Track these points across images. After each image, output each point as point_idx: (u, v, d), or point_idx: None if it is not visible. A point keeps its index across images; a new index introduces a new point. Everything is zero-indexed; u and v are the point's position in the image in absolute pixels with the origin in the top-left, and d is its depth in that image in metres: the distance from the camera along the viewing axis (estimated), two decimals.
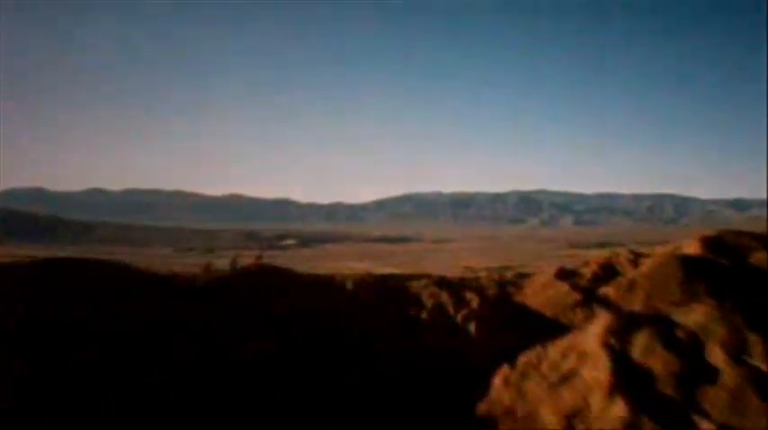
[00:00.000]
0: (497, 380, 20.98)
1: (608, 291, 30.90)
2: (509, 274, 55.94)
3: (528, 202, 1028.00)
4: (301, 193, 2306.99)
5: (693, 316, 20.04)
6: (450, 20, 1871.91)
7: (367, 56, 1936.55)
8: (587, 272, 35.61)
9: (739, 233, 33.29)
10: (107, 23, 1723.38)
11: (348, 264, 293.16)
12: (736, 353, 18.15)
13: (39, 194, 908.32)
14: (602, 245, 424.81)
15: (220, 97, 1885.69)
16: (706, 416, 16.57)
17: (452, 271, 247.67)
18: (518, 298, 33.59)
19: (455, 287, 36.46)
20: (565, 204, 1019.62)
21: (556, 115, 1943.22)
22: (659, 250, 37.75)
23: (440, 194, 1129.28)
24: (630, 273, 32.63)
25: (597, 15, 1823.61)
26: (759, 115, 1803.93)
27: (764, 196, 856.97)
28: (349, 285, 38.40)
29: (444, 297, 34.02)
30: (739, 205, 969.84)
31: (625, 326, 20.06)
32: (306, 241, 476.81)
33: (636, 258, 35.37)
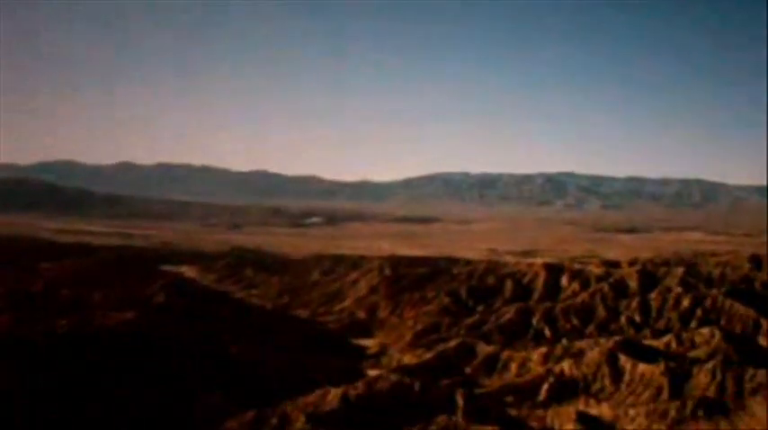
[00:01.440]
0: None
1: None
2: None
3: (554, 184, 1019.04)
4: (328, 171, 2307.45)
5: None
6: None
7: (396, 34, 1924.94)
8: None
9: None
10: None
11: (373, 243, 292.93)
12: None
13: (69, 167, 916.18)
14: (628, 230, 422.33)
15: (249, 73, 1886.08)
16: None
17: (475, 253, 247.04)
18: None
19: None
20: (591, 187, 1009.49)
21: (584, 96, 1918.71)
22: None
23: (466, 175, 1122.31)
24: None
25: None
26: None
27: None
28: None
29: None
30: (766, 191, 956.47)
31: None
32: (331, 219, 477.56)
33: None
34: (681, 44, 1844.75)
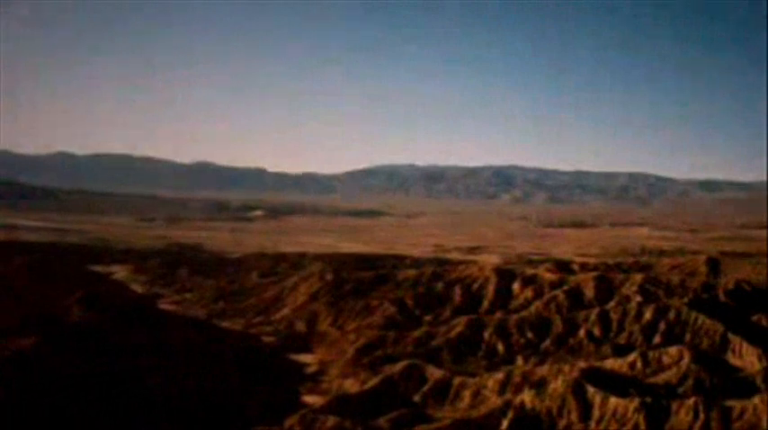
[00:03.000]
0: None
1: None
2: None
3: (501, 178, 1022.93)
4: (274, 163, 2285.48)
5: None
6: None
7: (339, 23, 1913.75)
8: None
9: None
10: None
11: (315, 239, 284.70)
12: None
13: (2, 157, 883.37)
14: (575, 224, 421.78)
15: (193, 62, 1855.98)
16: None
17: (421, 249, 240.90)
18: None
19: None
20: (538, 180, 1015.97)
21: (531, 89, 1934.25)
22: None
23: (413, 167, 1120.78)
24: None
25: None
26: (734, 96, 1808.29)
27: (737, 178, 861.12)
28: None
29: None
30: (711, 186, 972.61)
31: None
32: (275, 213, 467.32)
33: None
34: (626, 37, 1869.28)
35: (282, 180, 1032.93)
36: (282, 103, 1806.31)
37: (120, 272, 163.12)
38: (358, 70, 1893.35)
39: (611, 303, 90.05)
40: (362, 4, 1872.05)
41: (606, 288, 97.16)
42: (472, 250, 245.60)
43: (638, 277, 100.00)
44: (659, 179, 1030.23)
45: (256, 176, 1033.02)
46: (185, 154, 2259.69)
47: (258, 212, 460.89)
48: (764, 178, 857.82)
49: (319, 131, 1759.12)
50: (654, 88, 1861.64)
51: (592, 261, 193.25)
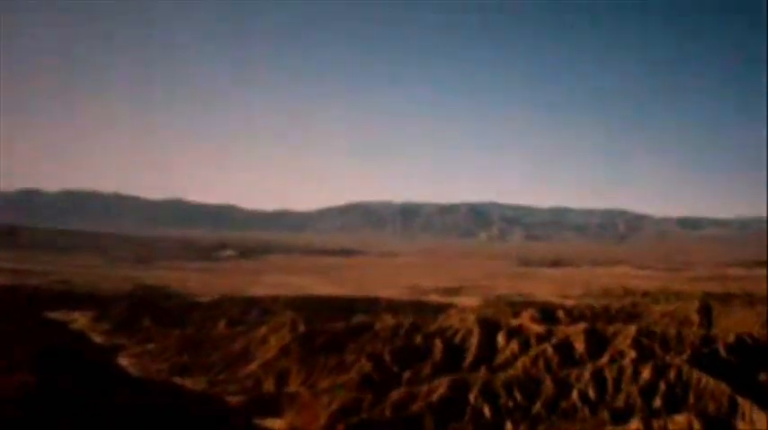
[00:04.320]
0: None
1: None
2: None
3: (478, 214, 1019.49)
4: (246, 200, 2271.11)
5: None
6: (406, 23, 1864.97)
7: (314, 57, 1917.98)
8: None
9: None
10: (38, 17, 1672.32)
11: (288, 279, 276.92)
12: None
13: None
14: (554, 263, 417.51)
15: (165, 96, 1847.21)
16: None
17: (398, 291, 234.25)
18: None
19: None
20: (516, 217, 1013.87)
21: (509, 125, 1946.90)
22: None
23: (389, 204, 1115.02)
24: None
25: (554, 24, 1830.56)
26: (712, 133, 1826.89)
27: (716, 215, 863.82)
28: None
29: None
30: (690, 224, 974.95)
31: None
32: (247, 252, 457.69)
33: None
34: (600, 75, 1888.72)
35: (255, 217, 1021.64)
36: (255, 137, 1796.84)
37: (79, 319, 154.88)
38: (333, 105, 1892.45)
39: (604, 359, 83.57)
40: (339, 41, 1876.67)
41: (597, 341, 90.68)
42: (450, 291, 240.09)
43: (632, 329, 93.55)
44: (636, 216, 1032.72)
45: (228, 213, 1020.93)
46: (155, 190, 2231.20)
47: (229, 252, 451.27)
48: (744, 216, 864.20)
49: (293, 167, 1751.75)
50: (632, 126, 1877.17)
51: (575, 303, 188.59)
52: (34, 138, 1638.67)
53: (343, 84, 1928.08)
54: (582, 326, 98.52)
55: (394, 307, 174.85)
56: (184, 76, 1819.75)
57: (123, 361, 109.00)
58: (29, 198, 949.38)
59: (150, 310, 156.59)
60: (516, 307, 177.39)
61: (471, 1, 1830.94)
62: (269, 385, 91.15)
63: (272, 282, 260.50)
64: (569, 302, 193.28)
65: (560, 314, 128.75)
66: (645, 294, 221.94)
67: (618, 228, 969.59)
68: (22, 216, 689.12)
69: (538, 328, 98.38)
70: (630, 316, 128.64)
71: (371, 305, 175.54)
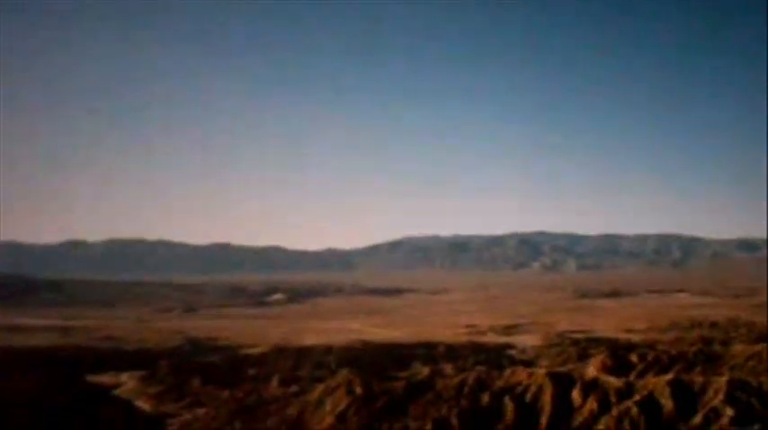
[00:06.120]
0: None
1: None
2: None
3: (528, 245, 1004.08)
4: (291, 240, 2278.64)
5: None
6: (448, 52, 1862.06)
7: (349, 99, 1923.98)
8: None
9: None
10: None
11: (338, 324, 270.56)
12: None
13: (12, 249, 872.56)
14: (611, 293, 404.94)
15: (205, 142, 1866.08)
16: None
17: (454, 332, 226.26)
18: None
19: None
20: (566, 246, 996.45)
21: (554, 153, 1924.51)
22: None
23: (436, 238, 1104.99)
24: None
25: (603, 51, 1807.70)
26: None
27: None
28: None
29: None
30: (746, 246, 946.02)
31: None
32: (295, 295, 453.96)
33: None
34: (650, 98, 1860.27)
35: (302, 257, 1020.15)
36: (298, 178, 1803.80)
37: (128, 382, 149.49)
38: (373, 141, 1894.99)
39: (697, 418, 75.37)
40: (374, 83, 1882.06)
41: (685, 396, 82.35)
42: (508, 329, 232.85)
43: (722, 381, 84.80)
44: (691, 240, 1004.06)
45: (275, 255, 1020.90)
46: (201, 235, 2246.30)
47: (278, 296, 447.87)
48: None
49: (338, 206, 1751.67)
50: (681, 146, 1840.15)
51: (642, 339, 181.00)
52: (78, 189, 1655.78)
53: (382, 118, 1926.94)
54: (666, 378, 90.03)
55: (453, 352, 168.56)
56: (225, 121, 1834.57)
57: None
58: (73, 249, 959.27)
59: (199, 369, 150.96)
60: (581, 345, 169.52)
61: (532, 42, 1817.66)
62: None
63: (323, 327, 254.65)
64: (635, 338, 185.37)
65: (633, 358, 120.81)
66: (713, 325, 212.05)
67: (672, 254, 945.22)
68: (67, 268, 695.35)
69: (616, 383, 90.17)
70: (709, 358, 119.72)
71: (429, 350, 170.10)
